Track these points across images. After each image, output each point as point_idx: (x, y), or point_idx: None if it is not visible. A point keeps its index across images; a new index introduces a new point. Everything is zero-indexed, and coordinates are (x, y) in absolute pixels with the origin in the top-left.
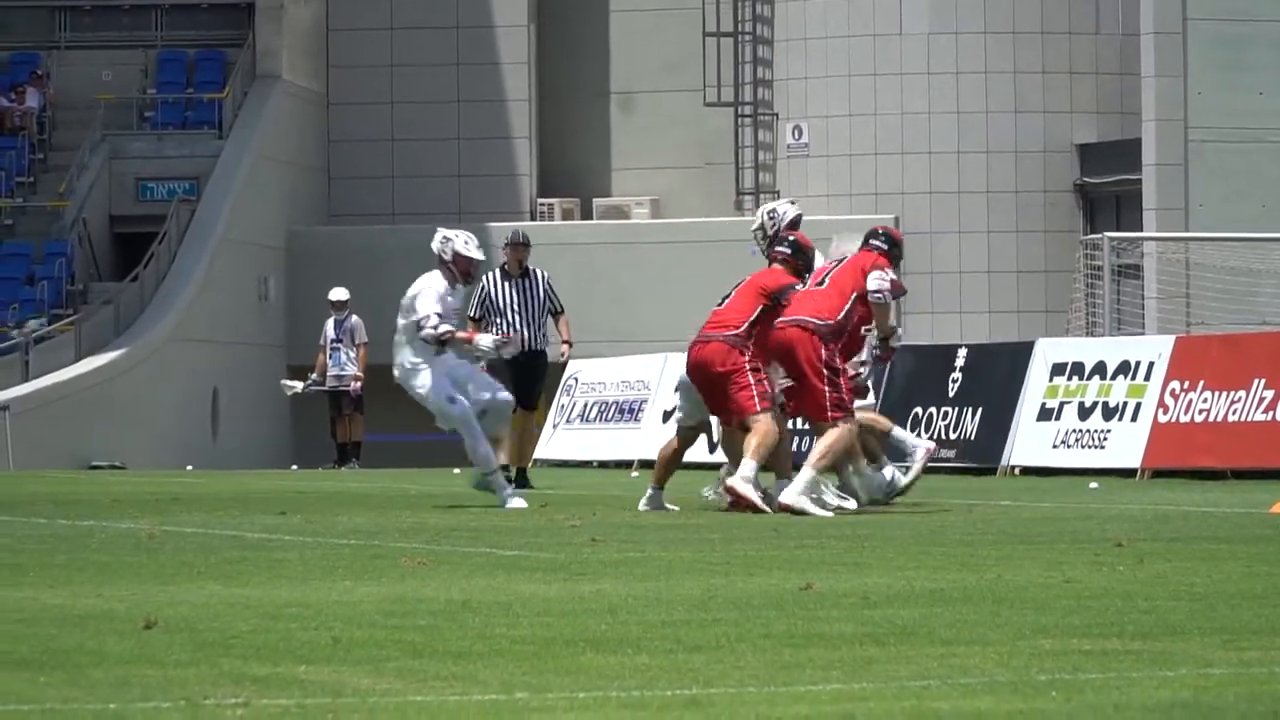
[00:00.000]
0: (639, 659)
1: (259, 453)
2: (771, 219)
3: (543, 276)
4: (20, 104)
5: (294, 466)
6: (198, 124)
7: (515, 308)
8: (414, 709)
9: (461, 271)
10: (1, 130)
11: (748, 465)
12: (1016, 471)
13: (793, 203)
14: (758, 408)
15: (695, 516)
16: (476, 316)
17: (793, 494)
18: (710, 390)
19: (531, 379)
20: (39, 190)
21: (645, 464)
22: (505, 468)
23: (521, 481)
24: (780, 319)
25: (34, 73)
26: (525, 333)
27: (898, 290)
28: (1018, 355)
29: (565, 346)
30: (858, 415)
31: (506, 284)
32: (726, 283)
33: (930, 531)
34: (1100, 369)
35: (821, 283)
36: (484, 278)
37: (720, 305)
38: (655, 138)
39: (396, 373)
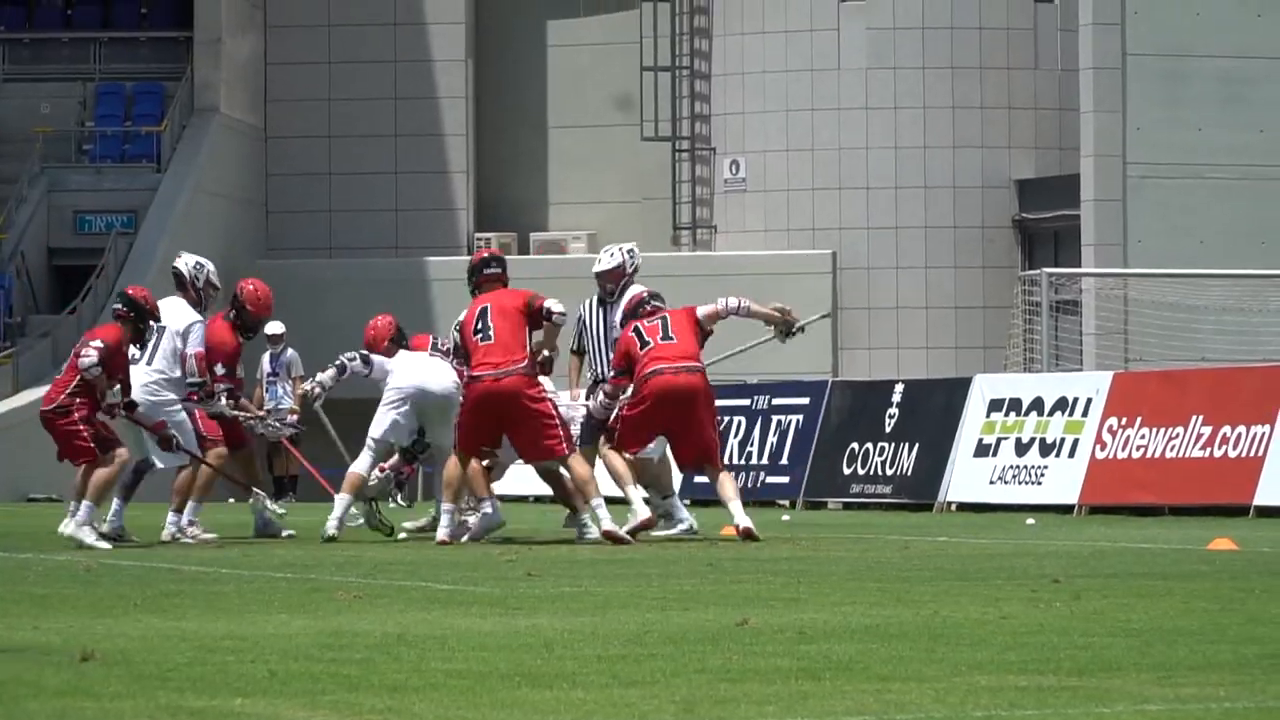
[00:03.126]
0: (575, 694)
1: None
2: (630, 256)
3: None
4: None
5: (230, 500)
6: (136, 157)
7: (598, 335)
8: None
9: (205, 300)
10: None
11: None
12: (953, 508)
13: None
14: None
15: (632, 550)
16: (576, 349)
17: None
18: (692, 418)
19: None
20: None
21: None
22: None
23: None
24: (671, 363)
25: None
26: (605, 360)
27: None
28: (955, 391)
29: None
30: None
31: (598, 312)
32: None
33: (867, 567)
34: (1038, 405)
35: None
36: (580, 306)
37: (668, 339)
38: (592, 172)
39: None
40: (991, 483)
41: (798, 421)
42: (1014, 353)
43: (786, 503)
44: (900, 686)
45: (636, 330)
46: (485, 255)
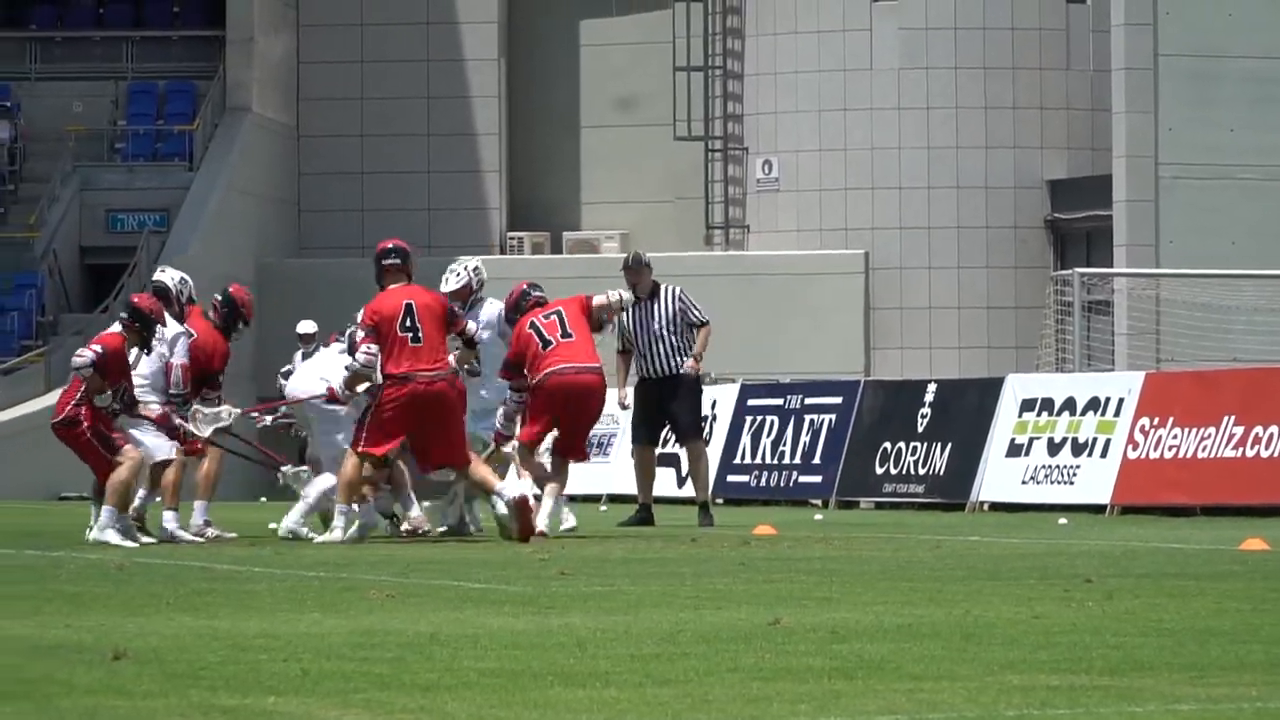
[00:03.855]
0: (607, 692)
1: (227, 485)
2: (476, 274)
3: (672, 294)
4: None
5: (263, 499)
6: (168, 155)
7: (638, 332)
8: None
9: (184, 316)
10: None
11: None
12: (985, 507)
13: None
14: None
15: (664, 549)
16: (622, 349)
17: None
18: (586, 417)
19: (657, 412)
20: (9, 221)
21: (614, 498)
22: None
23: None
24: (571, 362)
25: (3, 104)
26: (648, 356)
27: None
28: (987, 391)
29: (691, 361)
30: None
31: (635, 309)
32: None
33: (899, 567)
34: (1070, 405)
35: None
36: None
37: (568, 338)
38: (625, 172)
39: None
40: (1024, 482)
41: (830, 421)
42: (1046, 353)
43: (819, 502)
44: (933, 686)
45: (534, 327)
46: (389, 246)
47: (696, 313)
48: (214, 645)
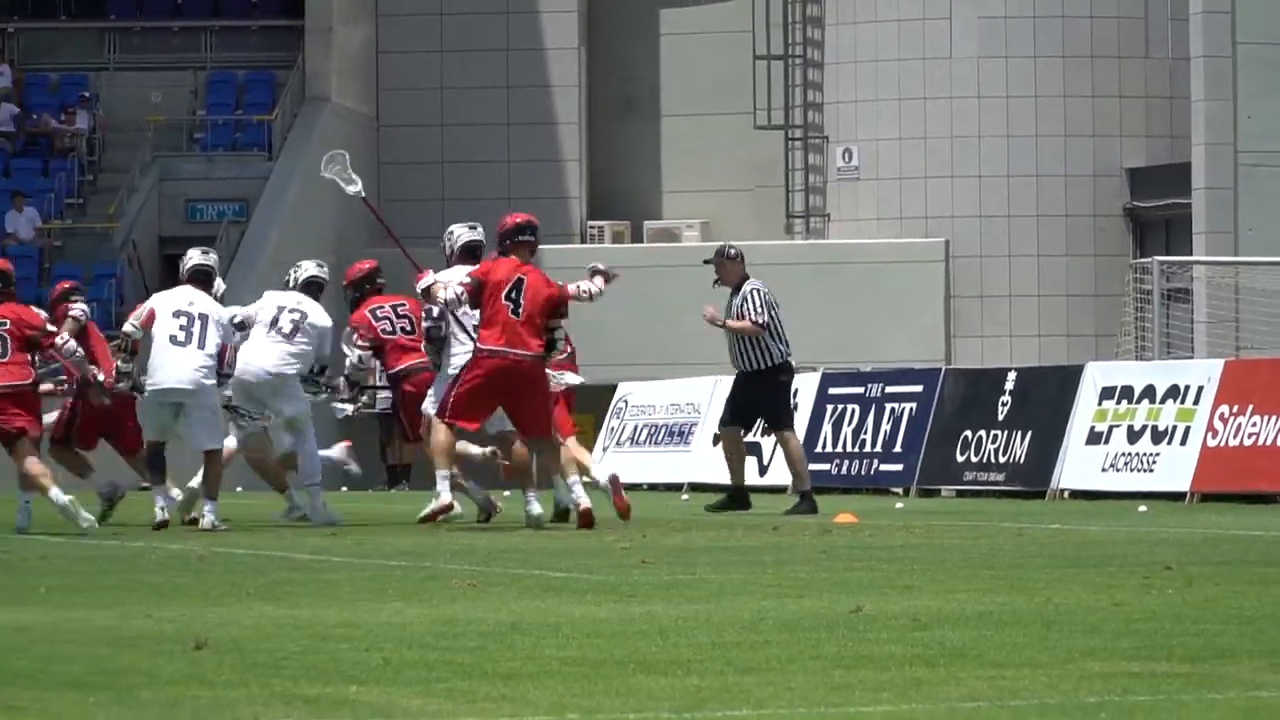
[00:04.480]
0: (689, 681)
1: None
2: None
3: (746, 291)
4: (70, 125)
5: (343, 488)
6: (247, 146)
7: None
8: None
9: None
10: (51, 152)
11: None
12: (1065, 495)
13: (473, 227)
14: None
15: (746, 538)
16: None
17: None
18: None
19: (744, 401)
20: (88, 212)
21: (695, 487)
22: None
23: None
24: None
25: (82, 95)
26: (729, 348)
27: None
28: (1067, 379)
29: (713, 309)
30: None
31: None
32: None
33: (980, 554)
34: (1149, 393)
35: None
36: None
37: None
38: (705, 160)
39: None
40: (1103, 470)
41: (911, 409)
42: (1125, 341)
43: (900, 490)
44: (1014, 673)
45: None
46: (522, 221)
47: (751, 310)
48: (295, 635)
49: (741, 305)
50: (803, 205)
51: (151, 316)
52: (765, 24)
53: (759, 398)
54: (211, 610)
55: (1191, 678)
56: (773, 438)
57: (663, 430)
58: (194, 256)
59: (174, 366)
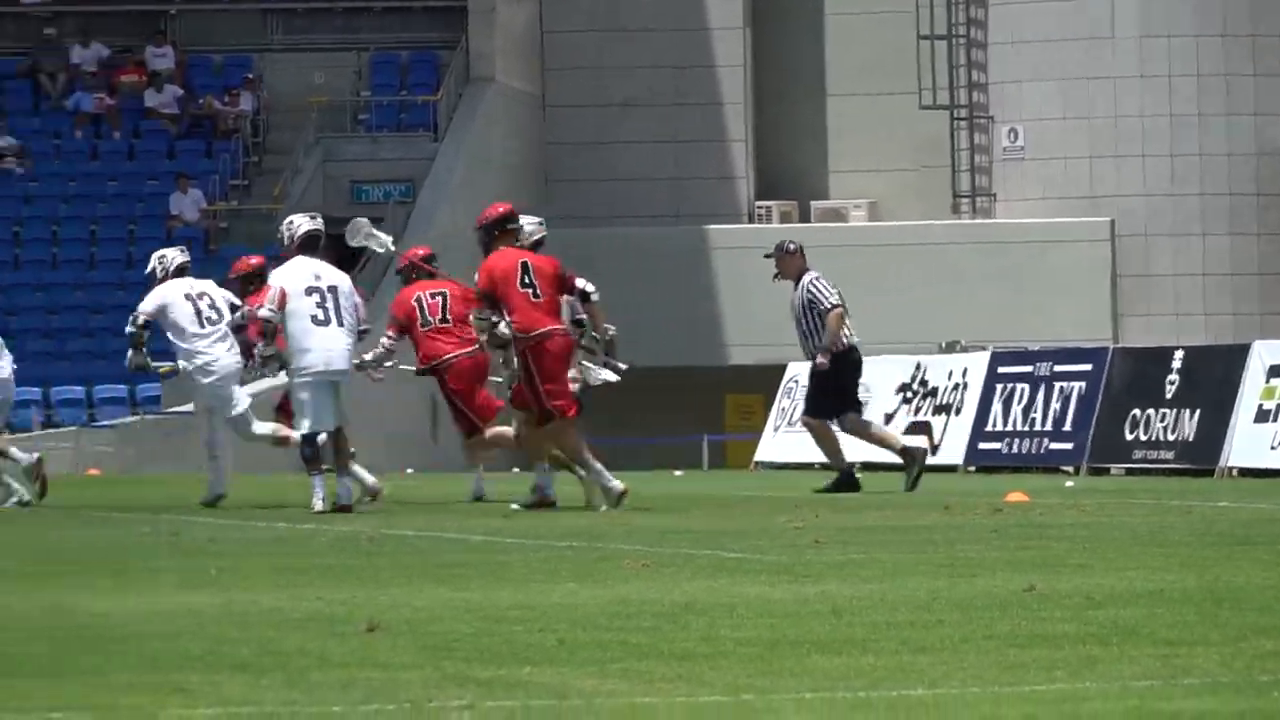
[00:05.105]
0: (865, 660)
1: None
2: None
3: (803, 284)
4: (234, 107)
5: (515, 469)
6: (412, 126)
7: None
8: (640, 711)
9: None
10: (215, 134)
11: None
12: (1234, 473)
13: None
14: None
15: (918, 517)
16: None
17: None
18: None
19: (812, 389)
20: (253, 194)
21: (867, 466)
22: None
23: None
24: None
25: (246, 76)
26: (807, 343)
27: None
28: (1234, 357)
29: (820, 356)
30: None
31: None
32: (942, 285)
33: (1150, 532)
34: None
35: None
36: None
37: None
38: (871, 140)
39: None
40: (1273, 448)
41: (1080, 388)
42: None
43: (1070, 469)
44: (1186, 651)
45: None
46: (506, 211)
47: (823, 299)
48: (467, 617)
49: (809, 299)
50: (968, 185)
51: (284, 296)
52: (929, 3)
53: (835, 383)
54: (383, 592)
55: None
56: (943, 417)
57: None
58: (304, 223)
59: (326, 349)
